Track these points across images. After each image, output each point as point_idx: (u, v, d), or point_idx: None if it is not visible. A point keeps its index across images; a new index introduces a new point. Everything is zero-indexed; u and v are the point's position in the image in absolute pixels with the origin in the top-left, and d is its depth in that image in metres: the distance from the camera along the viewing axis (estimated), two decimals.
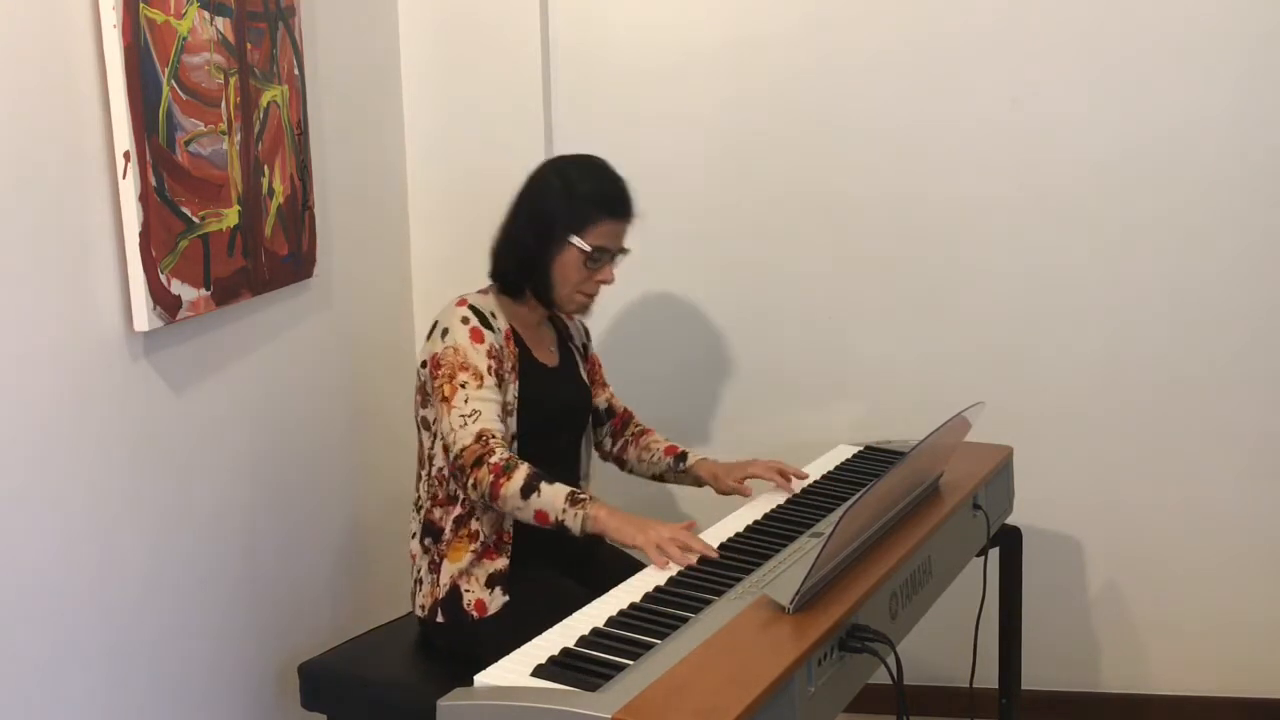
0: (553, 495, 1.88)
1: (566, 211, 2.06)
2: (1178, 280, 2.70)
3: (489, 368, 2.00)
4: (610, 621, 1.60)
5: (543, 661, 1.48)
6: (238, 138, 1.98)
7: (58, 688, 1.61)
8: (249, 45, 2.03)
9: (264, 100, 2.09)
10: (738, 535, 1.95)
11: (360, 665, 2.05)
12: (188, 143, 1.81)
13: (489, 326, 2.04)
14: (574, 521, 1.87)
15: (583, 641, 1.54)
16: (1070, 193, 2.71)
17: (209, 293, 1.88)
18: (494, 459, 1.90)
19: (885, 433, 2.62)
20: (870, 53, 2.73)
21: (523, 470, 1.90)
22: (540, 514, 1.89)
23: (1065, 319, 2.76)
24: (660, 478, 2.33)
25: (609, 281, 2.13)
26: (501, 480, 1.89)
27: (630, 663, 1.45)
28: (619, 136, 2.82)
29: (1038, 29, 2.66)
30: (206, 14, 1.87)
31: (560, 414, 2.18)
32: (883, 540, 1.85)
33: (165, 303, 1.75)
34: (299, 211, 2.25)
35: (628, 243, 2.13)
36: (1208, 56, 2.61)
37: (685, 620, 1.58)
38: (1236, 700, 2.84)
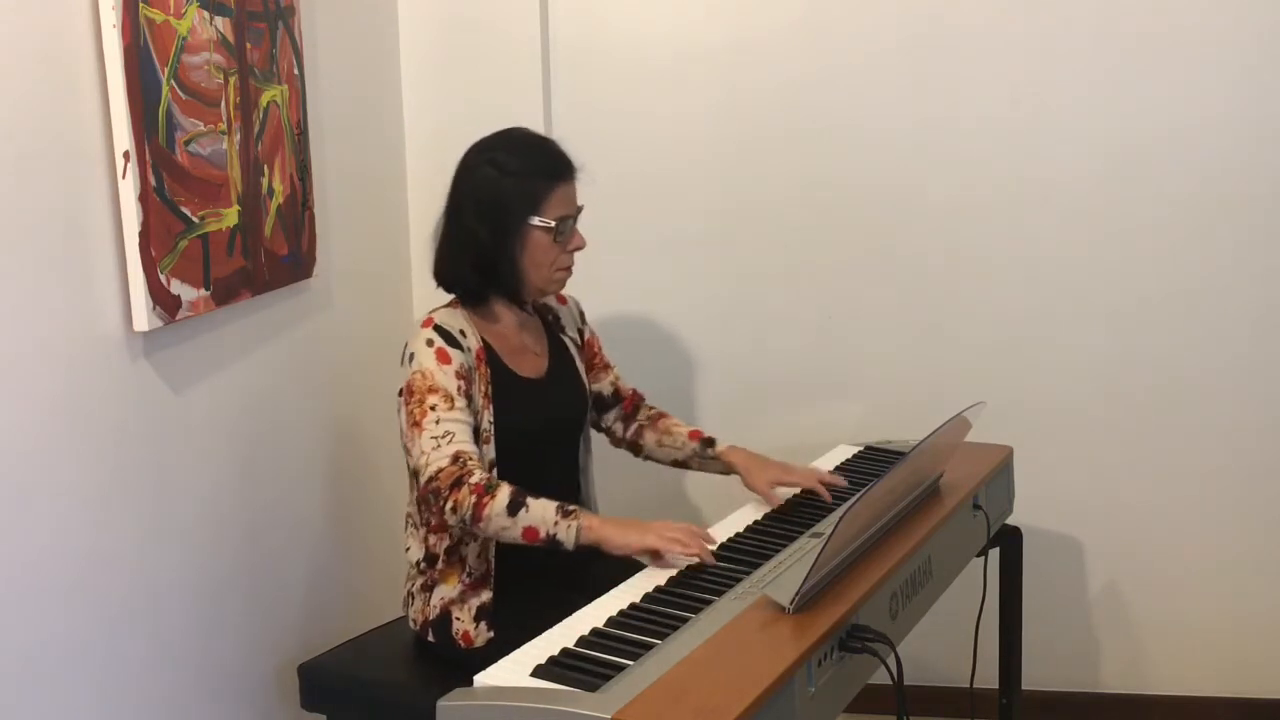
0: (541, 509, 1.81)
1: (515, 195, 1.97)
2: (1178, 280, 2.70)
3: (459, 388, 1.91)
4: (610, 621, 1.60)
5: (543, 661, 1.48)
6: (237, 138, 1.98)
7: (55, 688, 1.61)
8: (249, 45, 2.03)
9: (264, 100, 2.09)
10: (738, 535, 1.95)
11: (360, 666, 2.05)
12: (187, 143, 1.81)
13: (457, 345, 1.94)
14: (567, 534, 1.80)
15: (583, 641, 1.54)
16: (1070, 193, 2.71)
17: (209, 293, 1.88)
18: (474, 479, 1.83)
19: (885, 433, 2.62)
20: (871, 52, 2.72)
21: (506, 488, 1.83)
22: (529, 530, 1.81)
23: (1066, 319, 2.75)
24: (683, 464, 2.23)
25: (582, 247, 2.04)
26: (485, 499, 1.81)
27: (630, 663, 1.45)
28: (619, 136, 2.83)
29: (1037, 28, 2.66)
30: (206, 14, 1.87)
31: (547, 431, 2.08)
32: (883, 540, 1.85)
33: (165, 303, 1.75)
34: (299, 211, 2.25)
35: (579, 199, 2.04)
36: (1208, 54, 2.61)
37: (685, 620, 1.58)
38: (1236, 700, 2.83)
